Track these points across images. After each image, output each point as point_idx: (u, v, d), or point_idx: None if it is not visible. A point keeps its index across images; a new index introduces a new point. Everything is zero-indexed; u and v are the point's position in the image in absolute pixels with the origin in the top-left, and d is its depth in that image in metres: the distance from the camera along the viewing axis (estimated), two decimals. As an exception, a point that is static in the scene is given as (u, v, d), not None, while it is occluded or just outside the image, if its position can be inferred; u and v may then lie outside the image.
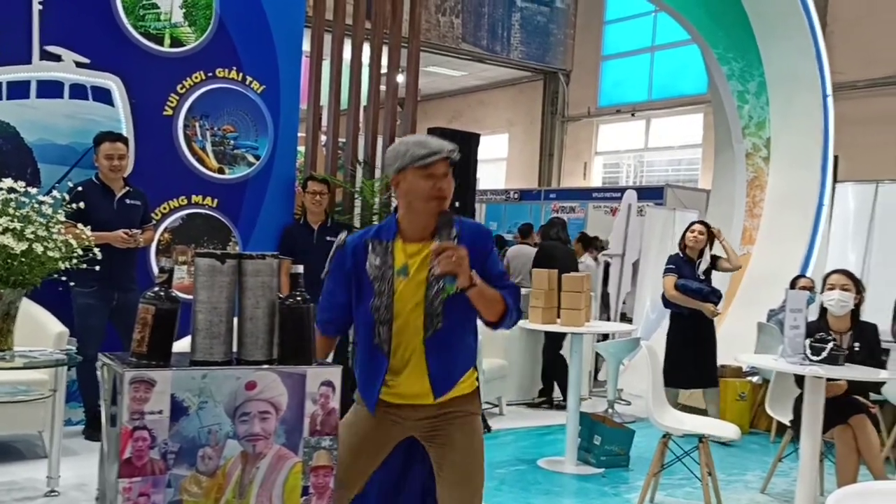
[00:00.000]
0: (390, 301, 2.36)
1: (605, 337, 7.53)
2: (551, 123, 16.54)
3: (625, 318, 8.76)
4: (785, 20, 8.17)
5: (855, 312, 4.46)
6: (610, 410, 6.68)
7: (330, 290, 2.49)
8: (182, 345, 2.12)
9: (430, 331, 2.36)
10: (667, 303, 6.11)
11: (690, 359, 5.91)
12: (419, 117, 6.92)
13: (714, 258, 6.21)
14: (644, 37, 15.01)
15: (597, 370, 7.91)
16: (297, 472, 2.05)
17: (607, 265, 8.62)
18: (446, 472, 2.42)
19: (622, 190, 10.22)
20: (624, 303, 8.69)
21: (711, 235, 6.14)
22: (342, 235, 2.57)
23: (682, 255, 6.10)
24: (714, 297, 6.03)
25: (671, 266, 6.03)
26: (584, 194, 13.65)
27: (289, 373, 2.05)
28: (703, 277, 6.08)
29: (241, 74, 5.42)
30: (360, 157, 6.29)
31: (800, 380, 4.19)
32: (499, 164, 17.80)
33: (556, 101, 16.46)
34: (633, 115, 14.92)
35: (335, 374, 2.13)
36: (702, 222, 6.30)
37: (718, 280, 6.50)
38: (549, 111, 16.57)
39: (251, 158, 5.47)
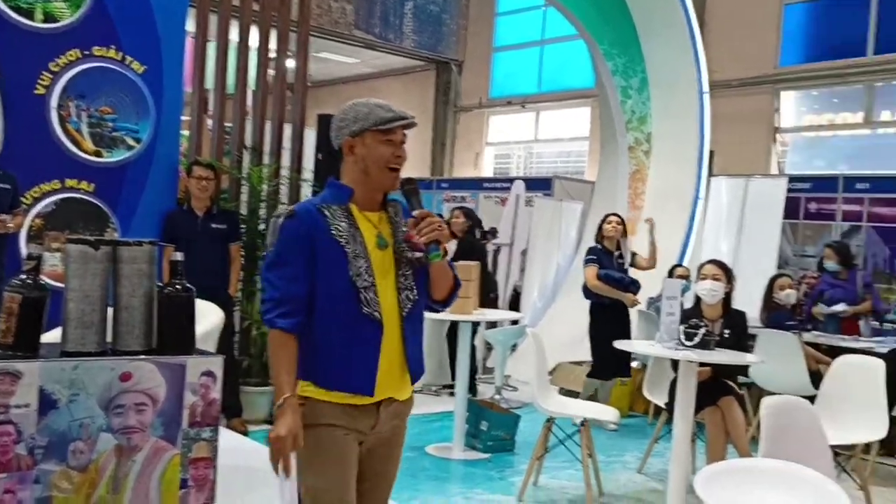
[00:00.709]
0: (368, 264, 2.12)
1: (492, 325, 7.66)
2: (444, 113, 16.62)
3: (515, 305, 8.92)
4: (665, 19, 8.50)
5: (726, 300, 4.71)
6: (497, 396, 6.81)
7: (289, 276, 2.08)
8: (54, 335, 2.04)
9: (406, 305, 2.16)
10: (588, 293, 6.21)
11: (615, 349, 6.08)
12: (310, 103, 6.82)
13: (633, 255, 6.39)
14: (534, 30, 15.27)
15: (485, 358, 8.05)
16: (175, 464, 2.01)
17: (496, 254, 8.77)
18: (372, 482, 2.24)
19: (512, 180, 10.39)
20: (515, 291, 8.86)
21: (625, 227, 6.33)
22: (284, 208, 2.31)
23: (600, 247, 6.23)
24: (634, 286, 6.19)
25: (592, 256, 6.14)
26: (476, 184, 13.78)
27: (167, 363, 2.00)
28: (624, 267, 6.25)
29: (120, 54, 5.18)
30: (248, 142, 6.15)
31: (675, 364, 4.39)
32: (391, 153, 17.77)
33: (449, 91, 16.55)
34: (523, 106, 15.17)
35: (216, 363, 2.09)
36: (616, 214, 6.45)
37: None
38: (442, 101, 16.64)
39: (131, 142, 5.25)
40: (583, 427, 4.43)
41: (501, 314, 7.30)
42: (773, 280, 6.43)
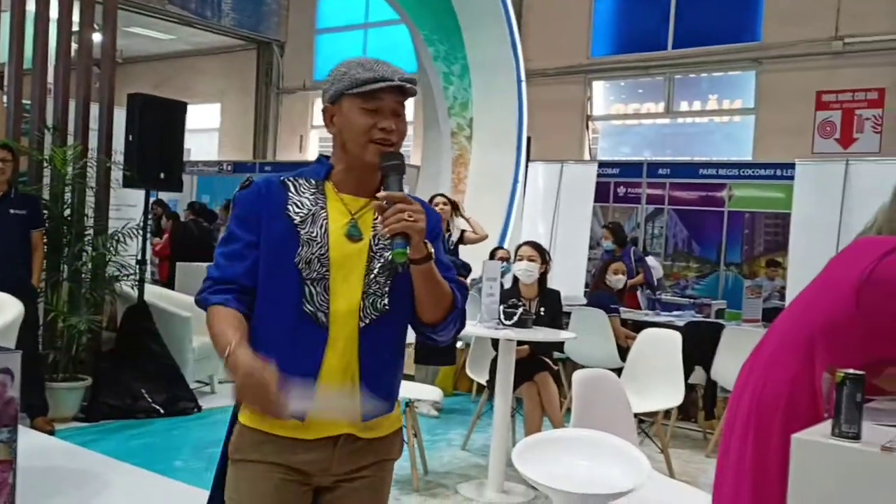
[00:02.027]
0: (325, 252, 1.70)
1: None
2: (266, 95, 16.21)
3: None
4: (485, 9, 8.72)
5: (542, 280, 4.94)
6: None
7: (232, 254, 1.74)
8: None
9: (368, 316, 1.71)
10: None
11: None
12: (121, 81, 6.44)
13: (461, 232, 6.49)
14: (358, 13, 15.20)
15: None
16: (-33, 471, 1.85)
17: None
18: None
19: (336, 164, 10.32)
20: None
21: (455, 206, 6.39)
22: (248, 177, 1.84)
23: None
24: (465, 270, 6.30)
25: None
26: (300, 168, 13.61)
27: (-45, 362, 1.84)
28: (452, 249, 6.33)
29: None
30: (49, 122, 5.71)
31: (496, 343, 4.56)
32: (211, 135, 17.12)
33: (271, 72, 16.15)
34: (347, 90, 15.10)
35: (13, 360, 1.94)
36: (442, 195, 6.51)
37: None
38: (264, 82, 16.22)
39: (-89, 119, 4.75)
40: (408, 408, 4.51)
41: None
42: (607, 264, 6.80)
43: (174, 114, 6.03)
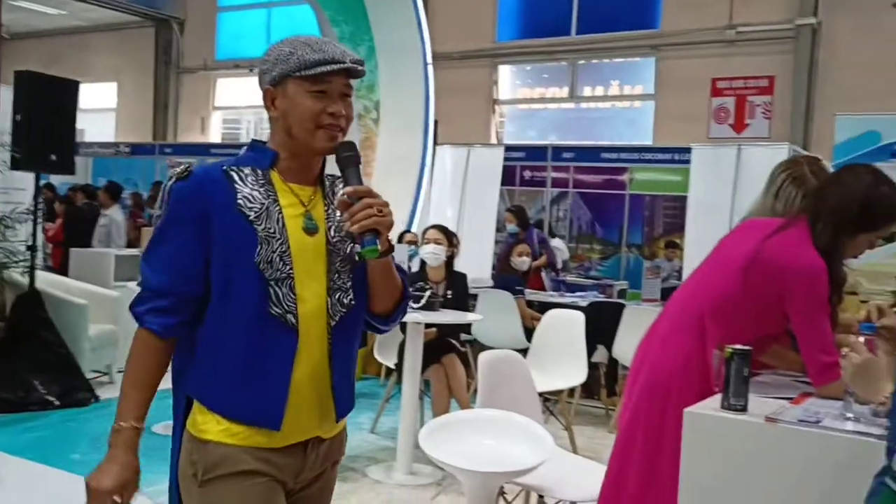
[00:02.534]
0: (286, 248, 1.59)
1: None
2: (165, 74, 15.67)
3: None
4: (391, -10, 8.66)
5: (449, 263, 4.97)
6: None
7: (174, 258, 1.58)
8: None
9: (337, 314, 1.63)
10: None
11: None
12: (7, 58, 6.13)
13: None
14: (261, -9, 14.88)
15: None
16: None
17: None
18: None
19: (241, 146, 10.09)
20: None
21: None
22: (178, 168, 1.65)
23: None
24: None
25: None
26: (202, 150, 13.24)
27: None
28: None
29: None
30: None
31: (404, 326, 4.57)
32: (107, 115, 16.45)
33: (170, 51, 15.62)
34: (251, 70, 14.74)
35: None
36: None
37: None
38: (163, 61, 15.67)
39: None
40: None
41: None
42: (511, 246, 6.87)
43: (65, 92, 5.77)
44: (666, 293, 6.16)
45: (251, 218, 1.57)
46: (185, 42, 15.55)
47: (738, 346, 1.87)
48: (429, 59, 8.99)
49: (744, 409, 1.84)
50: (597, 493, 2.46)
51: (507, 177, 9.65)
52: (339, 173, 1.67)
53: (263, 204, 1.59)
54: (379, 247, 1.56)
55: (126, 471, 1.57)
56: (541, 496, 2.87)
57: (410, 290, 1.73)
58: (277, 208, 1.60)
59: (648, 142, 10.69)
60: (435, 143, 9.18)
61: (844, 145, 6.75)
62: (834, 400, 1.93)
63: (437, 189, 9.34)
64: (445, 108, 10.13)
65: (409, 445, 4.39)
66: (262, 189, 1.60)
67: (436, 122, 9.20)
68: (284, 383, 1.58)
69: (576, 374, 4.92)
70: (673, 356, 2.23)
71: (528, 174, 10.18)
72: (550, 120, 12.58)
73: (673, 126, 10.42)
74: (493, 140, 11.95)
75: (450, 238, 4.97)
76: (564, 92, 12.14)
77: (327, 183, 1.71)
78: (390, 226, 1.58)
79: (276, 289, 1.57)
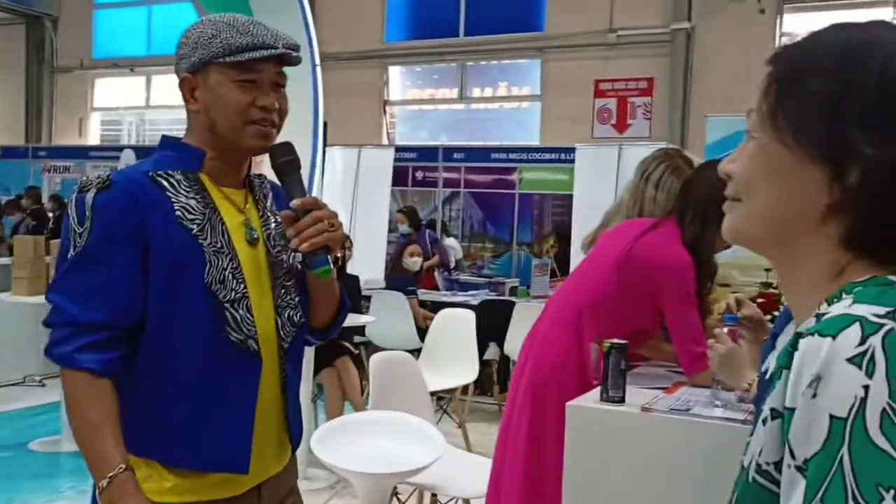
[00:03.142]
0: (237, 265, 1.39)
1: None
2: (38, 73, 14.91)
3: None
4: (276, -11, 8.52)
5: (342, 267, 4.95)
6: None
7: (104, 283, 1.33)
8: None
9: (289, 335, 1.45)
10: None
11: None
12: None
13: None
14: (140, -12, 14.37)
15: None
16: None
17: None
18: None
19: (122, 149, 9.73)
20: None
21: None
22: (91, 178, 1.38)
23: None
24: None
25: None
26: (81, 153, 12.71)
27: None
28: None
29: None
30: None
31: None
32: (-26, 117, 15.53)
33: (44, 49, 14.87)
34: (132, 70, 14.22)
35: None
36: None
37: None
38: (36, 60, 14.90)
39: None
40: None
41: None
42: (403, 247, 6.88)
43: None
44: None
45: (195, 231, 1.36)
46: (59, 40, 14.83)
47: (616, 341, 1.95)
48: (317, 59, 8.91)
49: (622, 401, 1.92)
50: (484, 488, 2.51)
51: (399, 177, 9.67)
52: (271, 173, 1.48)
53: (204, 214, 1.38)
54: (330, 266, 1.39)
55: None
56: (434, 495, 2.91)
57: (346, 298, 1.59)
58: (219, 218, 1.39)
59: (536, 142, 10.94)
60: (325, 145, 9.10)
61: (715, 145, 7.11)
62: (704, 388, 2.04)
63: (328, 191, 9.26)
64: (335, 110, 10.04)
65: (303, 450, 4.33)
66: (198, 196, 1.39)
67: (325, 124, 9.11)
68: (249, 418, 1.38)
69: (468, 372, 5.00)
70: (552, 353, 2.30)
71: (419, 175, 10.24)
72: (441, 121, 12.68)
73: (559, 127, 10.69)
74: (385, 141, 11.94)
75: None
76: (454, 93, 12.26)
77: (256, 183, 1.52)
78: (342, 240, 1.42)
79: (233, 311, 1.36)
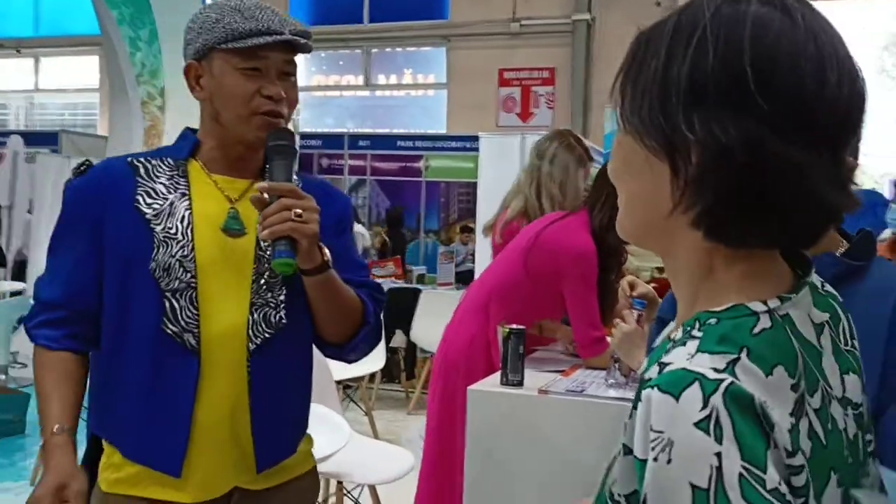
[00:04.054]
0: (188, 252, 1.33)
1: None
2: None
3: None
4: (174, -30, 8.27)
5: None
6: (3, 376, 6.15)
7: (67, 265, 1.37)
8: None
9: (259, 335, 1.35)
10: None
11: None
12: None
13: None
14: (28, -34, 13.66)
15: None
16: None
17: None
18: None
19: (9, 134, 9.27)
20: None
21: None
22: (78, 163, 1.39)
23: None
24: None
25: None
26: (-37, 138, 12.03)
27: None
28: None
29: None
30: None
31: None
32: None
33: (-80, 26, 13.99)
34: (18, 51, 13.54)
35: None
36: None
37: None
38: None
39: None
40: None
41: (4, 285, 6.55)
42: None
43: None
44: (461, 276, 6.39)
45: (148, 216, 1.33)
46: (-63, 18, 13.98)
47: (514, 326, 2.00)
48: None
49: (520, 384, 1.98)
50: (394, 475, 2.55)
51: (305, 165, 9.55)
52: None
53: (167, 199, 1.34)
54: (294, 260, 1.28)
55: (62, 471, 1.30)
56: (339, 482, 2.92)
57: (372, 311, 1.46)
58: (185, 204, 1.35)
59: (442, 130, 10.99)
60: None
61: (613, 136, 7.31)
62: (600, 370, 2.12)
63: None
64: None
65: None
66: (169, 183, 1.36)
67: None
68: (184, 420, 1.31)
69: (375, 360, 5.01)
70: (462, 336, 2.36)
71: (325, 162, 10.14)
72: (346, 107, 12.58)
73: (465, 115, 10.78)
74: (290, 128, 11.77)
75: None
76: (359, 80, 12.18)
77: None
78: (312, 235, 1.29)
79: (173, 301, 1.31)
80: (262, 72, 1.35)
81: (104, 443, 1.39)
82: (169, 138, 8.65)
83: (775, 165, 0.65)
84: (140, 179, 1.36)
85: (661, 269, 4.46)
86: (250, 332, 1.34)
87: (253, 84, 1.34)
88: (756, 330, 0.67)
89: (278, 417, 1.40)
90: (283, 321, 1.37)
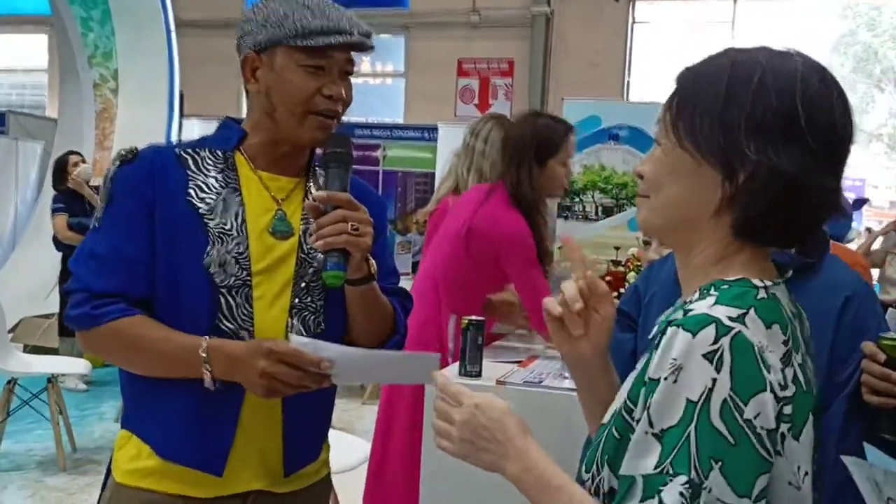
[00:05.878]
0: (244, 250, 1.31)
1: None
2: None
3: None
4: (127, -50, 8.10)
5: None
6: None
7: (115, 252, 1.31)
8: None
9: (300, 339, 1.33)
10: (59, 245, 5.72)
11: None
12: None
13: None
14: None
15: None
16: None
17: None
18: None
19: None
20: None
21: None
22: (123, 150, 1.36)
23: (68, 192, 5.78)
24: None
25: (60, 205, 5.68)
26: None
27: None
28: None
29: None
30: None
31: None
32: None
33: None
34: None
35: None
36: (77, 153, 6.07)
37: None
38: None
39: None
40: (50, 384, 4.20)
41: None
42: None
43: None
44: (417, 267, 6.39)
45: (202, 211, 1.31)
46: None
47: (474, 318, 2.02)
48: (172, 26, 8.54)
49: (479, 375, 2.00)
50: (347, 464, 2.55)
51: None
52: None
53: (220, 193, 1.32)
54: (345, 272, 1.26)
55: (254, 348, 1.24)
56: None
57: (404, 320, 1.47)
58: (238, 199, 1.33)
59: (400, 119, 10.96)
60: (181, 116, 8.77)
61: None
62: (556, 360, 2.14)
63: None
64: (193, 79, 9.69)
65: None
66: (220, 175, 1.34)
67: (181, 94, 8.77)
68: (232, 420, 1.30)
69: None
70: (411, 324, 2.36)
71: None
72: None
73: (423, 104, 10.75)
74: (244, 114, 11.57)
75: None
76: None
77: (319, 178, 1.42)
78: (366, 249, 1.28)
79: (230, 298, 1.29)
80: (324, 70, 1.34)
81: (128, 436, 1.36)
82: (122, 122, 8.51)
83: (818, 187, 0.87)
84: (190, 172, 1.34)
85: (616, 263, 4.52)
86: (289, 336, 1.32)
87: (315, 82, 1.33)
88: (759, 297, 0.89)
89: (307, 422, 1.40)
90: (322, 327, 1.36)
